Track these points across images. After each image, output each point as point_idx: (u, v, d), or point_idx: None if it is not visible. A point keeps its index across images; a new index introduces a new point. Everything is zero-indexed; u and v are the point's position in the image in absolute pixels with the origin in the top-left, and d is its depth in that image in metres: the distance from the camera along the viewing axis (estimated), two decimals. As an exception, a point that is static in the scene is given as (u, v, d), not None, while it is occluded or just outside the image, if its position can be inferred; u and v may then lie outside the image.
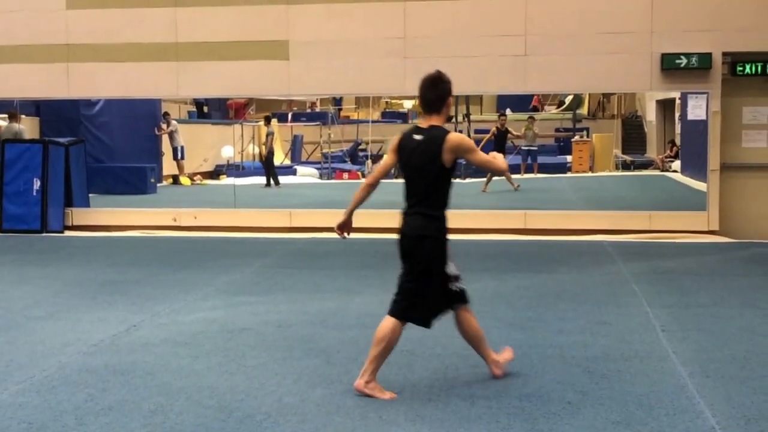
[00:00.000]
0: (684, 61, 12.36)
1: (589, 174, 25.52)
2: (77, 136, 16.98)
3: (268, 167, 22.38)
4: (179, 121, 24.17)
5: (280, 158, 27.32)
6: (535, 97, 32.32)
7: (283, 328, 6.97)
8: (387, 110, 36.82)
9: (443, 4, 12.98)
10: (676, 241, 12.39)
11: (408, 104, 37.56)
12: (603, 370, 5.68)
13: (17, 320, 7.34)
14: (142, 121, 22.37)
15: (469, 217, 12.86)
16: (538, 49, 12.77)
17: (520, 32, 12.79)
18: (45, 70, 13.88)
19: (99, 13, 13.75)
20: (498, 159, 5.43)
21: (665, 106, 28.26)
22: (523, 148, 23.11)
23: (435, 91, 5.22)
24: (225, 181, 24.11)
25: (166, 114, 23.30)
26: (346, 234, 5.72)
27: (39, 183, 13.76)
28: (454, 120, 26.89)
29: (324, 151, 27.85)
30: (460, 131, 22.98)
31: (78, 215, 14.22)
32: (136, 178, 19.89)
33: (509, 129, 21.03)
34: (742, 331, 6.82)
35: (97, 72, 13.80)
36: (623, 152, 28.79)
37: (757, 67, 12.36)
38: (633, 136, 31.10)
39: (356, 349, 6.29)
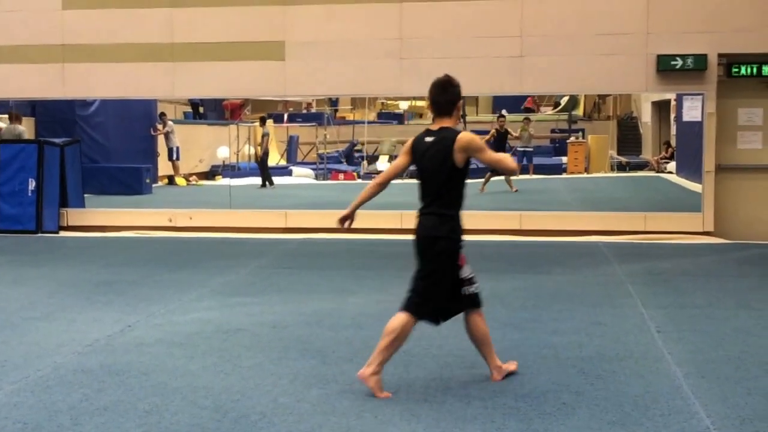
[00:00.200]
0: (679, 62, 12.38)
1: (585, 175, 25.53)
2: (72, 137, 16.94)
3: (263, 168, 22.38)
4: (175, 122, 24.14)
5: (275, 159, 27.30)
6: (529, 98, 32.32)
7: (278, 329, 6.97)
8: (383, 111, 36.82)
9: (440, 6, 12.99)
10: (672, 242, 12.41)
11: (404, 105, 37.56)
12: (598, 371, 5.69)
13: (12, 320, 7.33)
14: (138, 121, 22.33)
15: (465, 217, 12.79)
16: (534, 50, 12.78)
17: (516, 33, 12.81)
18: (40, 71, 13.86)
19: (95, 13, 13.73)
20: (509, 159, 5.51)
21: (661, 108, 28.30)
22: (518, 149, 23.12)
23: (445, 95, 5.34)
24: (220, 181, 24.10)
25: (163, 114, 23.28)
26: (347, 226, 5.73)
27: (34, 183, 13.74)
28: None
29: (320, 151, 27.84)
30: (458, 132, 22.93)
31: (73, 216, 14.20)
32: (131, 179, 19.86)
33: (509, 130, 21.05)
34: (737, 332, 6.83)
35: (93, 72, 13.78)
36: (619, 153, 28.80)
37: (752, 69, 12.38)
38: (628, 137, 31.12)
39: (351, 349, 6.29)
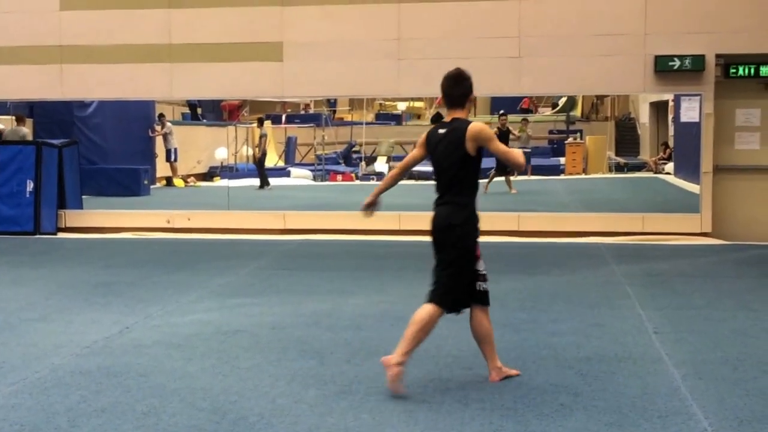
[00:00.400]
0: (677, 63, 12.39)
1: (583, 176, 25.52)
2: (70, 138, 16.94)
3: (260, 169, 22.38)
4: (173, 123, 24.13)
5: (273, 160, 27.30)
6: (525, 98, 32.32)
7: (276, 330, 6.97)
8: (381, 112, 36.83)
9: (437, 6, 12.99)
10: (669, 243, 12.41)
11: (402, 106, 37.58)
12: (596, 372, 5.69)
13: (10, 322, 7.33)
14: (136, 122, 22.33)
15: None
16: (532, 51, 12.79)
17: (514, 34, 12.81)
18: (38, 72, 13.86)
19: (92, 14, 13.73)
20: (518, 153, 5.54)
21: (658, 108, 28.29)
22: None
23: (459, 88, 5.47)
24: (219, 182, 24.09)
25: (162, 116, 23.28)
26: (371, 212, 5.89)
27: (32, 184, 13.73)
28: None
29: (318, 152, 27.85)
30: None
31: (71, 217, 14.20)
32: (129, 180, 19.87)
33: (510, 129, 21.09)
34: (734, 333, 6.83)
35: (91, 73, 13.78)
36: (616, 154, 28.78)
37: (750, 70, 12.39)
38: (626, 138, 31.09)
39: (350, 350, 6.30)
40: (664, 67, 12.44)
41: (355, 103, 34.43)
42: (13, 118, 16.68)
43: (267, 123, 26.03)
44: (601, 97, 32.26)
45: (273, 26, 13.33)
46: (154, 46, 13.58)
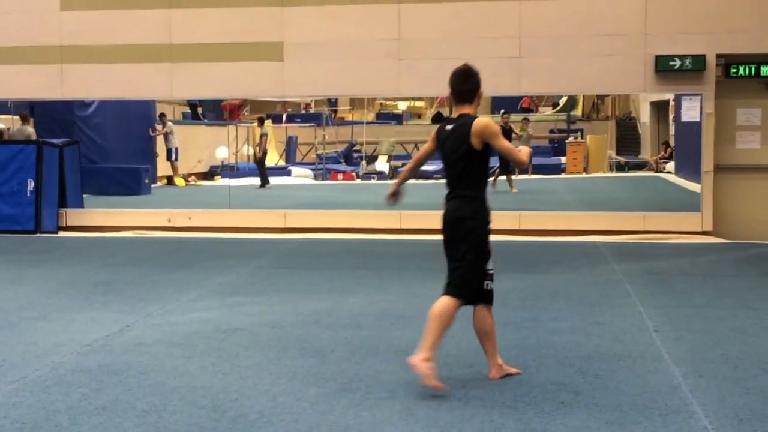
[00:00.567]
0: (678, 62, 12.39)
1: (584, 175, 25.55)
2: (71, 137, 16.95)
3: (261, 168, 22.40)
4: (173, 122, 24.15)
5: (274, 159, 27.31)
6: (525, 98, 32.34)
7: (277, 329, 6.97)
8: (381, 111, 36.84)
9: (438, 6, 12.99)
10: (670, 241, 12.41)
11: (402, 106, 37.58)
12: (596, 370, 5.69)
13: (11, 320, 7.33)
14: (136, 122, 22.35)
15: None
16: (532, 50, 12.78)
17: (514, 34, 12.81)
18: (39, 71, 13.86)
19: (93, 14, 13.74)
20: (523, 151, 5.57)
21: (659, 108, 28.30)
22: (517, 149, 23.08)
23: (467, 84, 5.52)
24: (219, 182, 24.10)
25: (163, 115, 23.29)
26: (395, 201, 5.96)
27: (33, 184, 13.73)
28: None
29: (318, 152, 27.86)
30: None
31: (72, 216, 14.20)
32: (130, 179, 19.88)
33: (513, 128, 21.09)
34: (735, 332, 6.83)
35: (91, 73, 13.78)
36: (617, 153, 28.81)
37: (750, 69, 12.39)
38: (627, 137, 31.12)
39: (350, 348, 6.30)
40: (664, 67, 12.44)
41: (355, 103, 34.44)
42: (16, 117, 16.69)
43: (267, 122, 26.06)
44: (601, 97, 32.30)
45: (273, 26, 13.33)
46: (154, 46, 13.58)
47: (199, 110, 29.71)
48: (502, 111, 22.19)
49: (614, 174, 26.15)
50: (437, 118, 31.18)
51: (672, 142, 25.72)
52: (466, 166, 5.38)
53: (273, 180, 22.52)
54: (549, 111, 33.68)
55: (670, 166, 24.87)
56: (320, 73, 13.32)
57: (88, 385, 5.41)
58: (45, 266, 10.45)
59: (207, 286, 8.93)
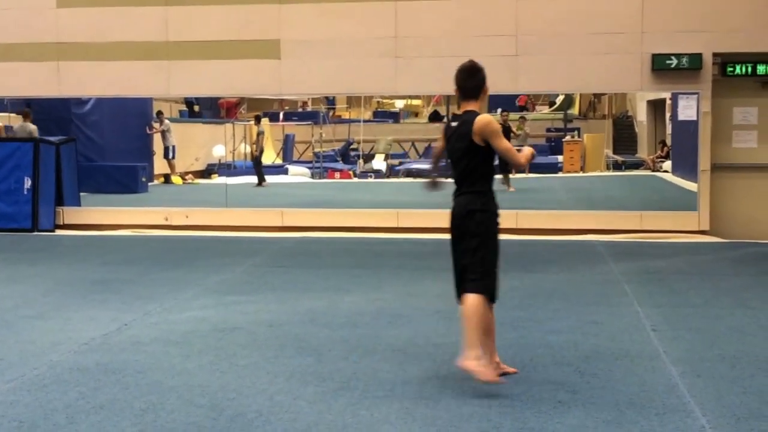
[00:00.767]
0: (674, 61, 12.40)
1: (580, 174, 25.55)
2: (68, 135, 16.92)
3: (257, 166, 22.38)
4: (170, 120, 24.13)
5: (271, 158, 27.28)
6: (521, 96, 32.35)
7: (274, 327, 6.97)
8: (378, 110, 36.82)
9: (435, 4, 12.99)
10: (667, 241, 12.42)
11: (399, 104, 37.55)
12: (594, 370, 5.70)
13: (7, 319, 7.33)
14: (133, 120, 22.31)
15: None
16: (529, 49, 12.79)
17: (511, 32, 12.82)
18: (35, 69, 13.85)
19: (90, 11, 13.72)
20: (525, 153, 5.59)
21: (656, 107, 28.32)
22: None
23: (473, 80, 5.55)
24: (216, 180, 24.08)
25: (160, 113, 23.27)
26: (435, 189, 5.97)
27: (30, 182, 13.71)
28: (445, 119, 26.94)
29: (316, 150, 27.85)
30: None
31: (69, 214, 14.19)
32: (127, 177, 19.85)
33: (511, 126, 21.10)
34: (732, 331, 6.84)
35: (88, 71, 13.77)
36: (614, 152, 28.83)
37: (747, 68, 12.40)
38: (624, 136, 31.14)
39: (347, 347, 6.30)
40: (661, 66, 12.45)
41: (352, 101, 34.42)
42: (13, 115, 16.66)
43: (264, 120, 26.01)
44: (598, 96, 32.30)
45: (271, 24, 13.32)
46: (151, 44, 13.57)
47: (196, 108, 29.67)
48: (502, 109, 22.19)
49: (611, 173, 26.16)
50: (434, 117, 31.22)
51: (669, 141, 25.74)
52: (471, 163, 5.39)
53: (270, 178, 22.50)
54: (546, 110, 33.68)
55: (667, 165, 24.89)
56: (317, 71, 13.31)
57: (86, 384, 5.40)
58: (42, 265, 10.44)
59: (204, 284, 8.92)
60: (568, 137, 27.64)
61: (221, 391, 5.25)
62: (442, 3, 12.98)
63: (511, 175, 19.81)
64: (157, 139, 23.19)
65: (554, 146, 28.76)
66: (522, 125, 22.76)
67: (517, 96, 31.58)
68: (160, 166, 23.25)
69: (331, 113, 33.06)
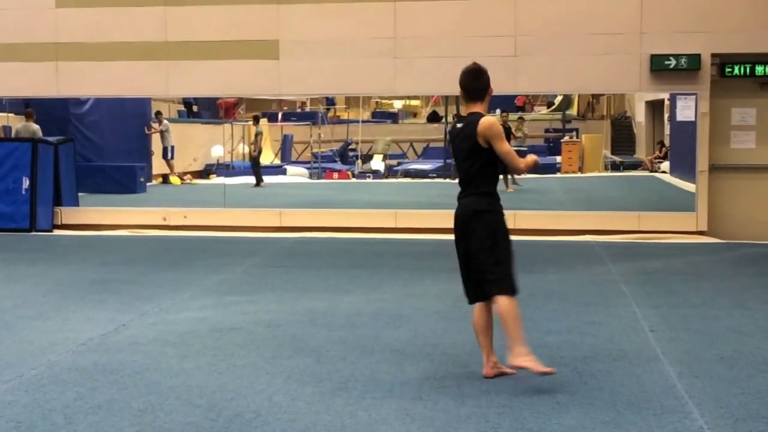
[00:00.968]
0: (673, 62, 12.40)
1: (579, 174, 25.55)
2: (66, 135, 16.91)
3: (255, 167, 22.39)
4: (168, 120, 24.12)
5: (270, 158, 27.28)
6: (519, 97, 32.35)
7: (272, 328, 6.97)
8: (377, 110, 36.82)
9: (433, 5, 12.99)
10: (665, 241, 12.43)
11: (398, 104, 37.54)
12: (592, 370, 5.70)
13: (6, 319, 7.32)
14: (132, 120, 22.29)
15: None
16: (527, 49, 12.79)
17: (510, 33, 12.82)
18: (34, 69, 13.84)
19: (88, 11, 13.72)
20: (527, 160, 5.65)
21: (654, 107, 28.33)
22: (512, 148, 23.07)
23: (479, 82, 5.59)
24: (215, 180, 24.07)
25: (159, 113, 23.25)
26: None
27: (28, 182, 13.70)
28: (444, 120, 26.96)
29: (314, 150, 27.85)
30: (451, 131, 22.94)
31: (67, 214, 14.18)
32: (125, 178, 19.85)
33: (511, 127, 21.10)
34: (730, 332, 6.84)
35: (87, 71, 13.77)
36: (612, 153, 28.84)
37: (745, 69, 12.41)
38: (622, 136, 31.15)
39: (346, 348, 6.30)
40: (659, 66, 12.45)
41: (351, 101, 34.42)
42: (11, 114, 16.65)
43: (263, 121, 26.02)
44: (597, 96, 32.31)
45: (269, 24, 13.32)
46: (150, 44, 13.57)
47: (195, 108, 29.67)
48: (501, 110, 22.18)
49: (609, 173, 26.17)
50: (433, 117, 31.23)
51: (667, 142, 25.75)
52: (475, 164, 5.43)
53: (268, 179, 22.50)
54: (544, 110, 33.68)
55: (665, 165, 24.89)
56: (316, 72, 13.31)
57: (84, 384, 5.40)
58: (40, 265, 10.43)
59: (202, 285, 8.92)
60: (566, 138, 27.64)
61: (219, 392, 5.25)
62: (442, 3, 12.99)
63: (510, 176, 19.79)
64: (155, 139, 23.18)
65: (552, 147, 28.76)
66: (520, 126, 22.75)
67: (515, 96, 31.61)
68: (158, 166, 23.24)
69: (333, 113, 33.09)
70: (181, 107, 28.95)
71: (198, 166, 25.64)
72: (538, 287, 8.79)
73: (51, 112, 19.36)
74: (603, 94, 30.98)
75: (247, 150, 25.10)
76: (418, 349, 6.24)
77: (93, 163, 20.02)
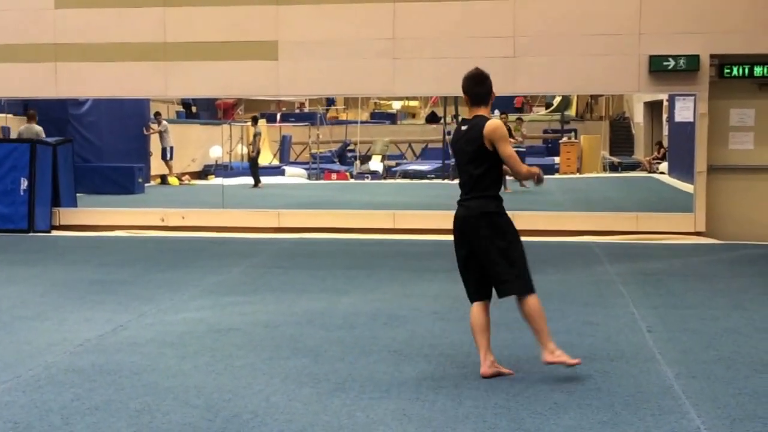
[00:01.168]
0: (672, 63, 12.41)
1: (577, 175, 25.55)
2: (65, 136, 16.92)
3: (253, 168, 22.38)
4: (168, 121, 24.11)
5: (268, 159, 27.29)
6: (518, 98, 32.36)
7: (270, 328, 6.97)
8: (376, 111, 36.83)
9: (432, 6, 13.00)
10: (663, 242, 12.43)
11: (397, 105, 37.56)
12: (589, 371, 5.70)
13: (3, 320, 7.32)
14: (131, 120, 22.28)
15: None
16: (526, 50, 12.80)
17: (508, 34, 12.82)
18: (33, 70, 13.83)
19: (87, 12, 13.71)
20: (532, 168, 5.69)
21: (653, 108, 28.33)
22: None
23: (483, 87, 5.62)
24: (213, 181, 24.07)
25: (158, 114, 23.25)
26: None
27: (26, 182, 13.70)
28: (442, 121, 26.96)
29: (312, 151, 27.85)
30: (449, 132, 22.96)
31: (65, 215, 14.18)
32: (124, 178, 19.83)
33: (511, 128, 21.09)
34: (728, 332, 6.85)
35: (86, 71, 13.76)
36: (611, 154, 28.83)
37: (744, 70, 12.42)
38: (621, 137, 31.14)
39: (343, 348, 6.30)
40: (658, 67, 12.46)
41: (350, 102, 34.43)
42: (10, 115, 16.64)
43: (261, 121, 26.02)
44: (595, 97, 32.33)
45: (268, 25, 13.32)
46: (149, 45, 13.57)
47: (194, 109, 29.66)
48: (500, 111, 22.17)
49: (608, 174, 26.17)
50: (431, 118, 31.23)
51: (665, 143, 25.75)
52: (480, 168, 5.45)
53: (267, 179, 22.50)
54: (542, 111, 33.69)
55: (664, 166, 24.89)
56: (315, 72, 13.31)
57: (81, 385, 5.40)
58: (38, 265, 10.43)
59: (200, 285, 8.92)
60: (564, 138, 27.65)
61: (217, 392, 5.25)
62: (441, 4, 12.99)
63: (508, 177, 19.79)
64: (154, 140, 23.17)
65: (551, 147, 28.77)
66: (519, 126, 22.75)
67: (514, 97, 31.62)
68: (157, 167, 23.23)
69: (334, 113, 33.09)
70: (180, 108, 28.94)
71: (196, 167, 25.64)
72: (536, 287, 8.78)
73: (49, 112, 19.34)
74: (602, 95, 31.00)
75: (245, 151, 25.10)
76: (415, 350, 6.24)
77: (91, 164, 20.01)
